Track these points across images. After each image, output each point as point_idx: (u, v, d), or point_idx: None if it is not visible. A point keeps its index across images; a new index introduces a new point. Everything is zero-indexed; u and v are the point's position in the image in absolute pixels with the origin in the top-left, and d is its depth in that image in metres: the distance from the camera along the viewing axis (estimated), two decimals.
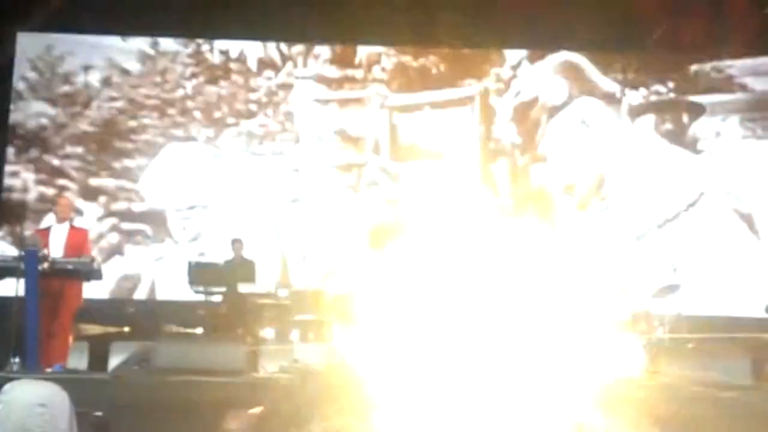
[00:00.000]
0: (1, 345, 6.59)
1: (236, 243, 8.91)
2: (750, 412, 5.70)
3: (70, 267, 6.44)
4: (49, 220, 8.05)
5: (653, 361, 6.81)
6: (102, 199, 11.97)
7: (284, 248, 11.68)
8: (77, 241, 6.78)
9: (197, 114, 12.81)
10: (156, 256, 11.75)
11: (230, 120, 12.78)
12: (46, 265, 6.33)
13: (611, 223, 12.24)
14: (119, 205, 12.00)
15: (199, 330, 7.84)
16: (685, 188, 12.56)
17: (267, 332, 7.61)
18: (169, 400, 5.41)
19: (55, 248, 6.64)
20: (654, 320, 8.03)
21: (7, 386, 2.03)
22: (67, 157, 12.32)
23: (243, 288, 7.64)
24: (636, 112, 12.85)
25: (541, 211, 12.02)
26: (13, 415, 1.93)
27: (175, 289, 10.95)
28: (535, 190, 12.28)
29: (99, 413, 4.59)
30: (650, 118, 12.77)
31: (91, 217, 11.62)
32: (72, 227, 6.87)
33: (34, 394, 1.96)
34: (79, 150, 12.44)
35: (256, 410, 2.80)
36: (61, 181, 12.12)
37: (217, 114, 12.78)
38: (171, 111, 12.78)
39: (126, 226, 11.67)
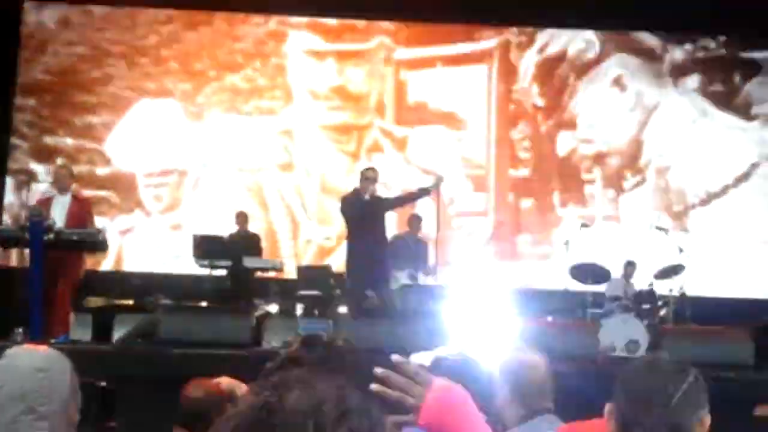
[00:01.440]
0: (5, 315, 8.92)
1: (240, 216, 11.35)
2: (752, 393, 7.76)
3: (75, 238, 8.76)
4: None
5: (655, 341, 9.24)
6: (58, 160, 13.32)
7: (274, 220, 13.74)
8: (80, 211, 9.10)
9: (173, 65, 14.30)
10: (123, 228, 13.54)
11: (212, 73, 14.30)
12: (51, 235, 8.59)
13: (647, 200, 14.33)
14: (80, 168, 13.24)
15: (204, 303, 10.24)
16: (735, 159, 14.45)
17: (271, 307, 9.99)
18: (173, 372, 7.02)
19: (57, 219, 8.91)
20: (657, 300, 10.48)
21: (8, 351, 2.48)
22: (19, 109, 13.93)
23: (248, 262, 10.03)
24: (679, 70, 14.67)
25: (566, 185, 13.91)
26: (12, 379, 2.34)
27: (146, 265, 13.02)
28: (560, 159, 14.27)
29: (103, 384, 6.54)
30: (696, 78, 14.58)
31: (45, 181, 13.15)
32: (74, 197, 9.22)
33: (34, 359, 2.36)
34: (31, 102, 14.02)
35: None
36: (12, 140, 13.90)
37: (196, 66, 14.28)
38: (142, 60, 14.35)
39: (88, 192, 12.51)
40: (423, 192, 10.04)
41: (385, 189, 10.94)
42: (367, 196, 9.51)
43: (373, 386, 1.80)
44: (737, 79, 14.57)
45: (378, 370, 1.85)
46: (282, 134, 14.19)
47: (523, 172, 14.34)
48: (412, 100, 14.39)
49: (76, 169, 12.84)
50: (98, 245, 8.89)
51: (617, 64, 14.46)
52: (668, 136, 14.36)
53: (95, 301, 9.48)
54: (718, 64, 14.59)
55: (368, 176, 9.66)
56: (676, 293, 10.79)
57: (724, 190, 14.27)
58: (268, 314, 9.61)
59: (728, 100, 14.48)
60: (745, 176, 14.34)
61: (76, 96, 14.07)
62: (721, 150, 14.31)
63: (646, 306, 10.45)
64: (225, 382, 3.34)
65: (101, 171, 13.77)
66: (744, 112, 14.45)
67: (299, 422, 1.10)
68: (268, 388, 1.17)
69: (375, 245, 9.54)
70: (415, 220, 11.01)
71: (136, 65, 14.21)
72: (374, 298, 9.44)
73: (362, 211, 9.52)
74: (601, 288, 10.95)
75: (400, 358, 1.89)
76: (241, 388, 3.23)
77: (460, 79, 14.40)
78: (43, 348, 2.57)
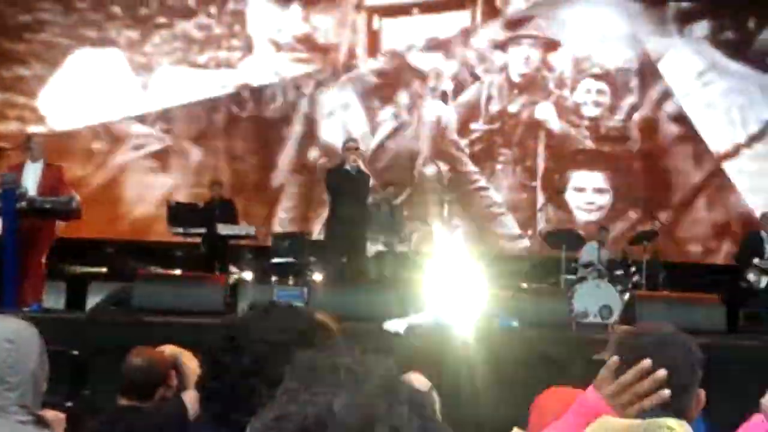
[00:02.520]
0: None
1: (215, 184, 11.34)
2: (725, 358, 7.90)
3: (48, 206, 8.72)
4: None
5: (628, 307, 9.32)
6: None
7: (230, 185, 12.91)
8: (52, 178, 9.04)
9: (116, 10, 13.25)
10: None
11: (161, 20, 13.31)
12: (24, 203, 8.56)
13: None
14: (7, 126, 12.71)
15: (178, 271, 10.23)
16: (749, 115, 14.07)
17: (246, 274, 9.99)
18: (147, 340, 7.63)
19: (29, 186, 8.85)
20: (630, 267, 10.57)
21: None
22: None
23: (222, 229, 10.00)
24: (686, 16, 14.21)
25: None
26: None
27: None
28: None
29: (75, 352, 6.54)
30: (704, 25, 14.14)
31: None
32: (47, 165, 9.13)
33: (3, 330, 2.33)
34: None
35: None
36: None
37: (142, 11, 13.27)
38: (80, 5, 13.31)
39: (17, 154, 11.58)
40: None
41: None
42: (348, 168, 9.51)
43: None
44: (752, 25, 14.15)
45: None
46: (241, 88, 13.50)
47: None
48: (387, 51, 14.01)
49: (4, 126, 12.53)
50: (71, 213, 8.85)
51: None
52: (673, 90, 14.07)
53: (69, 270, 9.43)
54: (731, 8, 14.09)
55: (349, 147, 9.69)
56: (648, 258, 10.85)
57: (736, 150, 14.04)
58: (242, 281, 9.63)
59: (741, 49, 14.03)
60: (759, 135, 14.04)
61: (2, 44, 13.11)
62: (732, 105, 13.97)
63: (619, 272, 10.54)
64: (169, 349, 3.27)
65: (34, 130, 12.29)
66: (759, 62, 14.02)
67: None
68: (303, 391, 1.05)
69: (355, 217, 9.52)
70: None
71: (72, 10, 13.17)
72: (349, 266, 9.50)
73: (345, 184, 9.51)
74: (575, 254, 11.01)
75: None
76: (185, 355, 3.17)
77: (440, 26, 14.05)
78: (12, 319, 2.52)
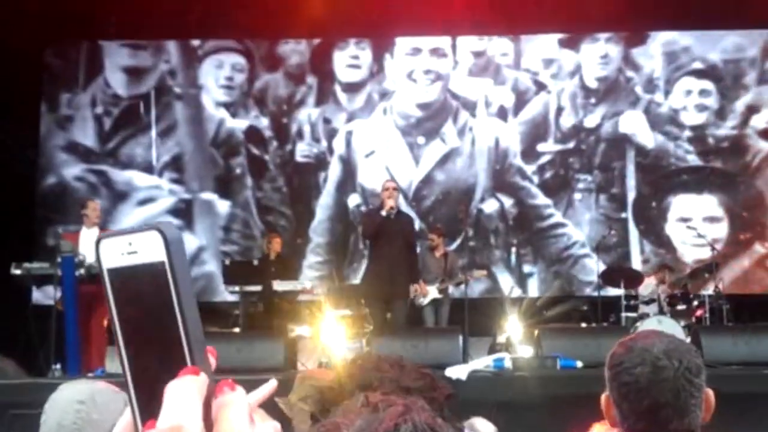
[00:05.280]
0: (41, 352, 9.05)
1: (273, 239, 11.39)
2: None
3: None
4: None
5: (693, 341, 9.19)
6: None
7: None
8: None
9: None
10: None
11: None
12: (83, 270, 8.77)
13: None
14: None
15: (236, 330, 10.34)
16: None
17: (304, 329, 10.06)
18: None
19: (86, 253, 9.06)
20: (693, 300, 10.44)
21: (60, 386, 2.53)
22: None
23: (278, 285, 10.10)
24: None
25: None
26: (52, 413, 2.39)
27: None
28: None
29: None
30: None
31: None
32: (101, 230, 9.30)
33: (75, 392, 2.39)
34: None
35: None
36: None
37: None
38: None
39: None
40: None
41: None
42: (384, 213, 9.25)
43: None
44: None
45: None
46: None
47: None
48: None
49: None
50: None
51: None
52: None
53: None
54: None
55: (386, 187, 9.42)
56: (711, 292, 10.69)
57: None
58: (301, 336, 9.74)
59: None
60: None
61: None
62: None
63: (681, 307, 10.40)
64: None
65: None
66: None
67: None
68: None
69: (395, 262, 9.29)
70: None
71: None
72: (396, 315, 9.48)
73: (379, 228, 9.27)
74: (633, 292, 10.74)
75: None
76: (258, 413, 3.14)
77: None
78: (88, 381, 2.61)
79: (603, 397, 2.25)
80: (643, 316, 10.07)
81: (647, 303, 10.40)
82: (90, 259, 8.99)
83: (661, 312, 10.04)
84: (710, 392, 2.12)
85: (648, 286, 10.79)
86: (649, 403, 2.07)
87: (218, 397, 0.77)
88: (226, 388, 0.78)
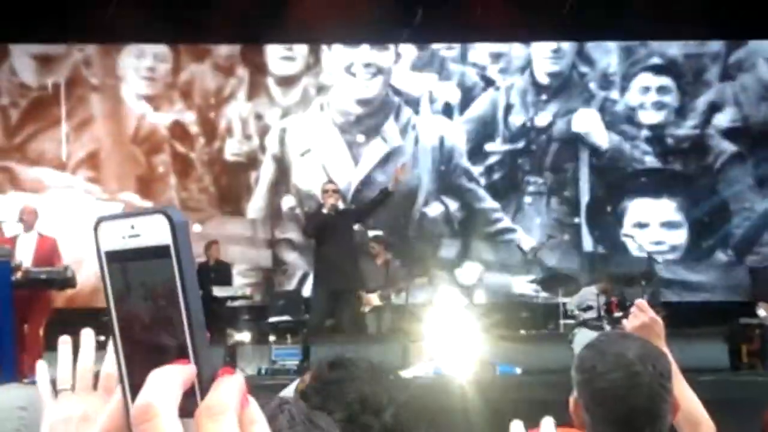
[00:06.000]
0: None
1: (212, 245, 12.03)
2: (727, 396, 8.82)
3: (43, 276, 9.62)
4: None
5: None
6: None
7: None
8: (46, 249, 10.00)
9: None
10: None
11: None
12: (19, 275, 9.47)
13: None
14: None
15: None
16: None
17: (244, 335, 10.99)
18: None
19: (24, 257, 9.83)
20: (629, 308, 11.53)
21: None
22: None
23: (218, 291, 11.03)
24: None
25: None
26: None
27: None
28: None
29: None
30: None
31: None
32: (40, 235, 10.09)
33: (15, 397, 2.39)
34: None
35: None
36: None
37: None
38: None
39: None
40: (386, 195, 10.30)
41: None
42: (325, 210, 9.93)
43: None
44: None
45: None
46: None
47: None
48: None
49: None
50: (67, 282, 9.75)
51: None
52: None
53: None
54: None
55: (326, 189, 10.12)
56: (647, 298, 11.66)
57: None
58: (240, 343, 10.63)
59: None
60: None
61: None
62: None
63: (618, 314, 11.38)
64: None
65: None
66: None
67: None
68: None
69: (341, 259, 10.01)
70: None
71: None
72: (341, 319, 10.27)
73: (324, 227, 9.96)
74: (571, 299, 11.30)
75: None
76: None
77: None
78: (25, 386, 2.68)
79: (571, 400, 2.33)
80: (581, 324, 11.07)
81: (585, 310, 11.12)
82: (27, 263, 9.81)
83: (598, 319, 10.84)
84: (676, 395, 2.26)
85: (586, 294, 11.54)
86: (625, 409, 2.19)
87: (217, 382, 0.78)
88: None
